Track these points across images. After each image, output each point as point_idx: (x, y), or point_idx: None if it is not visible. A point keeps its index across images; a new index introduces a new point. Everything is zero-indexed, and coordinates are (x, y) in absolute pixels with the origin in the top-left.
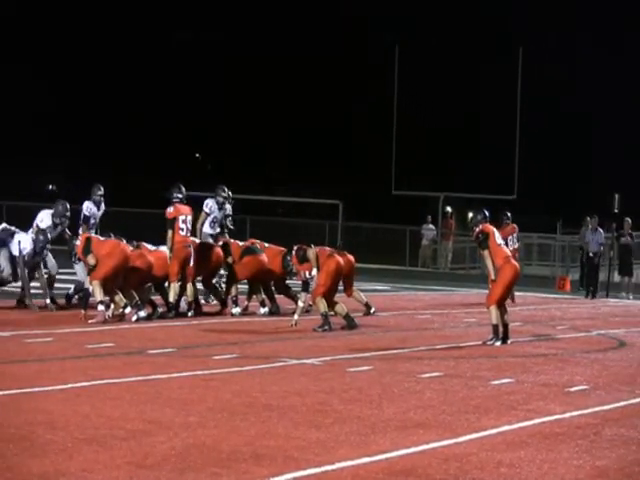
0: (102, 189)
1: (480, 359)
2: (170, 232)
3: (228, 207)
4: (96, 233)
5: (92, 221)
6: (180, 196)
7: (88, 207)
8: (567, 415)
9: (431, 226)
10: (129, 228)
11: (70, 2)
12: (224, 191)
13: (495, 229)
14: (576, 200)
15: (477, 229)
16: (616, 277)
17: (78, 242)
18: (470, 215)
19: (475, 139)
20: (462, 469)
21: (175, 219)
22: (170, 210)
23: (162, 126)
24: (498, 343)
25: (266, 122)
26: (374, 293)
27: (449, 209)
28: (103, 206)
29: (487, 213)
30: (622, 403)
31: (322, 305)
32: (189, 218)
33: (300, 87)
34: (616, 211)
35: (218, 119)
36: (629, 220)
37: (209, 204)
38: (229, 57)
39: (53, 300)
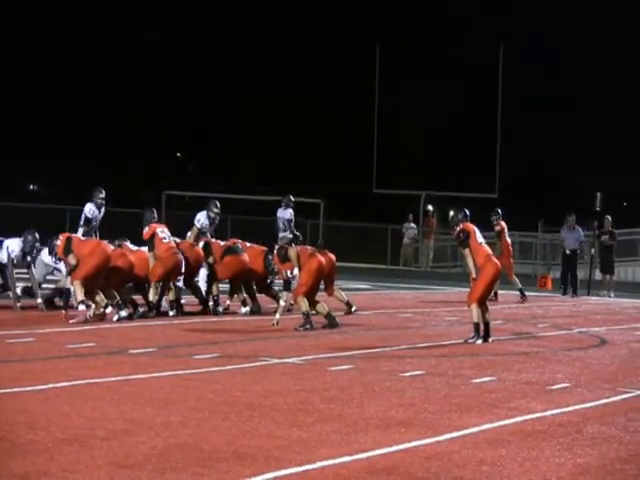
0: (104, 192)
1: (462, 357)
2: (151, 253)
3: (291, 212)
4: (95, 236)
5: (93, 223)
6: (155, 217)
7: (90, 209)
8: (548, 413)
9: (412, 225)
10: (117, 228)
11: (70, 3)
12: (216, 207)
13: (476, 228)
14: (558, 199)
15: (458, 228)
16: (597, 275)
17: (59, 242)
18: (452, 214)
19: (456, 137)
20: (444, 467)
21: (153, 234)
22: (145, 230)
23: (142, 125)
24: (479, 341)
25: (247, 121)
26: (355, 292)
27: (430, 208)
28: (103, 209)
29: (468, 212)
30: (603, 401)
31: (304, 304)
32: (165, 229)
33: (282, 86)
34: (598, 209)
35: (200, 119)
36: (609, 218)
37: (200, 220)
38: (208, 58)
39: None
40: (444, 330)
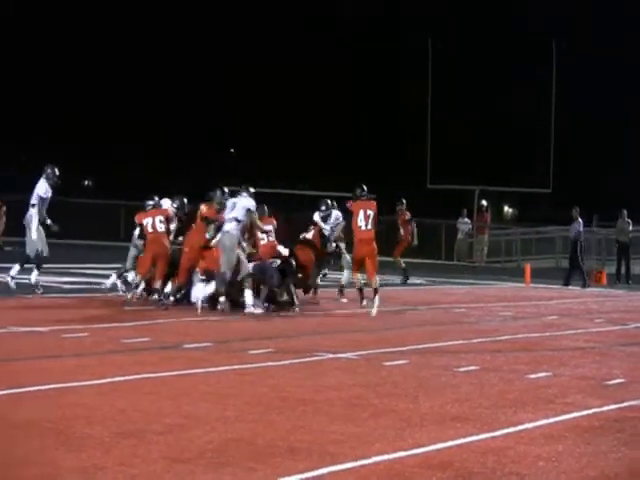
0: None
1: (517, 353)
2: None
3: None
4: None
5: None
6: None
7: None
8: (605, 408)
9: (466, 220)
10: None
11: (74, 5)
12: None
13: (362, 211)
14: (613, 193)
15: (348, 204)
16: None
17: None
18: (505, 209)
19: (511, 132)
20: (500, 462)
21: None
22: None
23: (192, 123)
24: (364, 302)
25: (300, 115)
26: (410, 287)
27: (484, 203)
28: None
29: (365, 189)
30: None
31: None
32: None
33: (336, 82)
34: None
35: (243, 115)
36: None
37: None
38: (261, 55)
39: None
40: (498, 325)
